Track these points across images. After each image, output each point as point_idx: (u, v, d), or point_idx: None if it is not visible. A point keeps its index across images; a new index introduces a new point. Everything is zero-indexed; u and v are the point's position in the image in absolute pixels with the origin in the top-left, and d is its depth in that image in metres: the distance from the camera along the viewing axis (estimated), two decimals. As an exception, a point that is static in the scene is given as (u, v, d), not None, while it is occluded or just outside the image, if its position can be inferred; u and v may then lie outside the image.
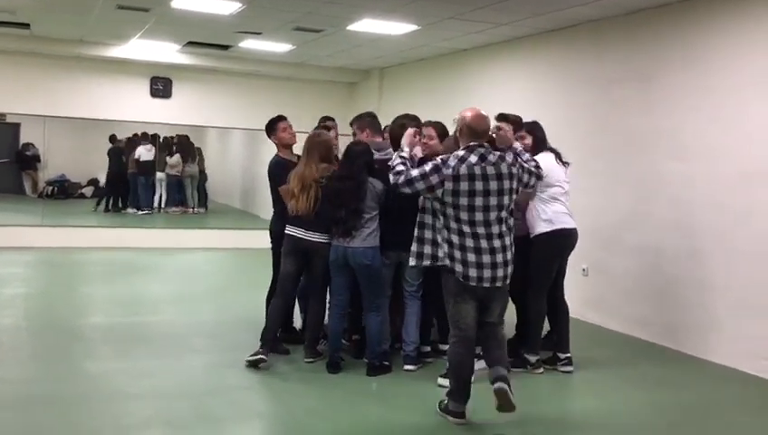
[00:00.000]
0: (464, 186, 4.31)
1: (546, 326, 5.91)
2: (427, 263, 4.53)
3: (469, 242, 4.35)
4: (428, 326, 5.79)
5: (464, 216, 4.34)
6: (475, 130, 4.43)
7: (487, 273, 4.35)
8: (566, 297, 5.87)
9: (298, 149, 5.96)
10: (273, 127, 6.09)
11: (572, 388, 5.53)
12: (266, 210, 6.30)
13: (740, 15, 6.19)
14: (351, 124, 6.07)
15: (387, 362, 5.48)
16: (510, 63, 9.18)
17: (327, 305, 5.77)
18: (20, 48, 10.93)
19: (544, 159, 5.48)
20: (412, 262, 4.61)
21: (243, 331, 6.33)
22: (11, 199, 17.90)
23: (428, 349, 5.78)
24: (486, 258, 4.35)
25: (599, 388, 5.54)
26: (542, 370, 5.65)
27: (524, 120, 5.93)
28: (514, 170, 4.47)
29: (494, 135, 4.83)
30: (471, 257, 4.35)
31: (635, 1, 6.85)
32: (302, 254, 5.55)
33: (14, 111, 12.85)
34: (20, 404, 4.64)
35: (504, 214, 4.42)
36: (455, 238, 4.38)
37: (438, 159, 4.47)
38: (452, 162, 4.36)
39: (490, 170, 4.36)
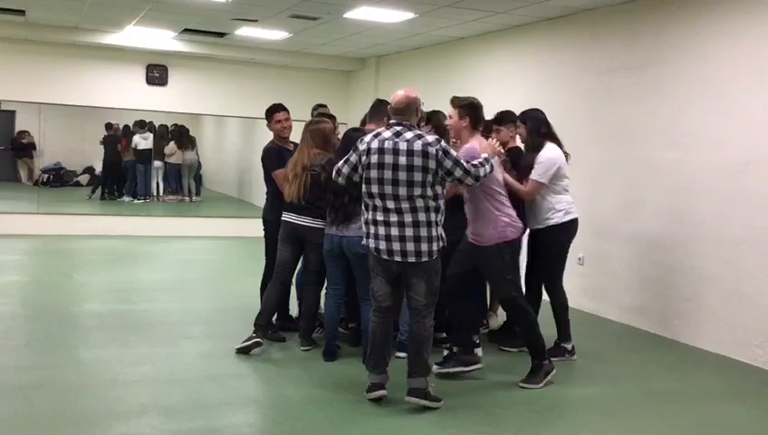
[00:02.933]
0: (374, 159, 4.45)
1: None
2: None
3: (379, 216, 4.49)
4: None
5: (374, 189, 4.46)
6: (393, 109, 4.60)
7: (383, 244, 4.49)
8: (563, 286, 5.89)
9: (296, 136, 5.93)
10: (269, 116, 6.07)
11: (566, 375, 5.53)
12: (261, 199, 6.30)
13: (737, 4, 6.18)
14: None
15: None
16: (506, 52, 9.15)
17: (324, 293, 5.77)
18: (15, 35, 10.88)
19: (553, 151, 5.59)
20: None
21: (238, 319, 6.33)
22: (6, 187, 17.87)
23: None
24: (381, 230, 4.48)
25: (592, 375, 5.56)
26: (576, 356, 5.79)
27: (522, 108, 5.95)
28: (432, 150, 4.38)
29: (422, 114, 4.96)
30: (374, 230, 4.53)
31: (632, -11, 6.85)
32: (297, 239, 5.61)
33: (9, 98, 12.79)
34: (15, 391, 4.64)
35: (417, 191, 4.39)
36: (369, 214, 4.55)
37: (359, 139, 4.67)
38: (367, 138, 4.54)
39: (402, 145, 4.42)
